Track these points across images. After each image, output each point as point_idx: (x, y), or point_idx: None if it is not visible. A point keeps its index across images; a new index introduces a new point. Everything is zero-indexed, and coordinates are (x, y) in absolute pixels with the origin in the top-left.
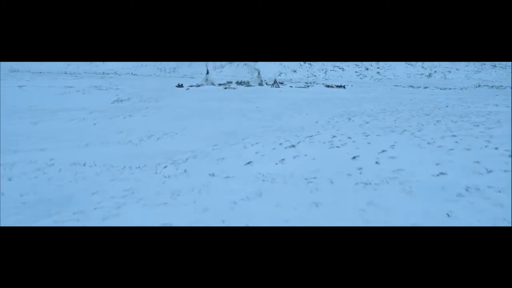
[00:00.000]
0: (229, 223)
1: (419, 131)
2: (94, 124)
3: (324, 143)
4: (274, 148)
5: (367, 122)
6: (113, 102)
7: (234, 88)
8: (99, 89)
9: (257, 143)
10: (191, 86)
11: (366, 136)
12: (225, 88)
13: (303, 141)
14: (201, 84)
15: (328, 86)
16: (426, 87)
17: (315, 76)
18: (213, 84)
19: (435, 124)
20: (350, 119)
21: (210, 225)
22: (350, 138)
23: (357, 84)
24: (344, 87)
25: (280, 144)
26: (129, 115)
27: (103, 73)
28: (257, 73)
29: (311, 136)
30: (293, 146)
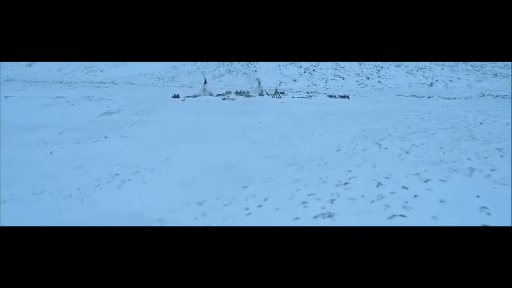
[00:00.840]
0: None
1: (493, 170)
2: (51, 153)
3: (372, 201)
4: (297, 218)
5: (406, 152)
6: (101, 115)
7: (233, 99)
8: (91, 100)
9: (266, 199)
10: (188, 96)
11: (426, 182)
12: (224, 99)
13: (338, 196)
14: (199, 95)
15: (331, 96)
16: (429, 97)
17: (316, 85)
18: (211, 94)
19: (501, 156)
20: (379, 145)
21: None
22: (405, 188)
23: (359, 94)
24: (348, 97)
25: (305, 204)
26: (105, 137)
27: (100, 82)
28: (257, 83)
29: (346, 183)
30: (330, 215)
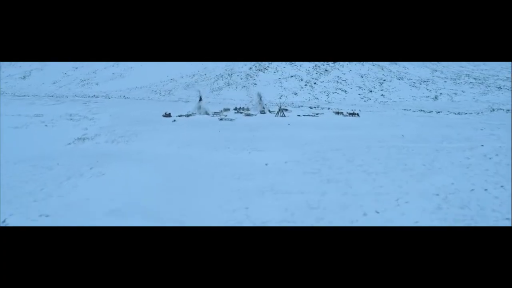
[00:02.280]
0: None
1: None
2: None
3: None
4: None
5: None
6: (70, 143)
7: (231, 120)
8: (71, 120)
9: None
10: (180, 116)
11: None
12: (221, 119)
13: None
14: (193, 113)
15: (338, 113)
16: (438, 112)
17: (317, 98)
18: (207, 113)
19: None
20: None
21: None
22: None
23: (364, 108)
24: (357, 114)
25: None
26: (3, 221)
27: (94, 95)
28: (258, 98)
29: None
30: None
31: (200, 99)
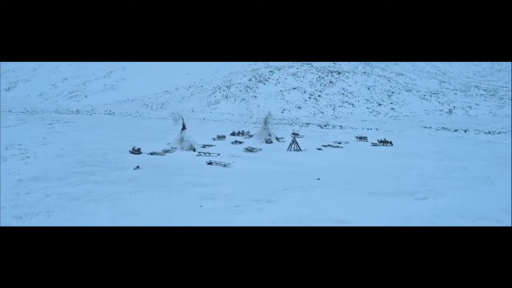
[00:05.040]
0: None
1: None
2: None
3: None
4: None
5: None
6: None
7: (225, 165)
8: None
9: None
10: (153, 153)
11: None
12: (210, 163)
13: None
14: (173, 148)
15: (361, 138)
16: (465, 130)
17: (323, 113)
18: (192, 147)
19: None
20: None
21: None
22: None
23: (376, 125)
24: (390, 143)
25: None
26: None
27: (76, 110)
28: (263, 123)
29: None
30: None
31: (183, 128)
